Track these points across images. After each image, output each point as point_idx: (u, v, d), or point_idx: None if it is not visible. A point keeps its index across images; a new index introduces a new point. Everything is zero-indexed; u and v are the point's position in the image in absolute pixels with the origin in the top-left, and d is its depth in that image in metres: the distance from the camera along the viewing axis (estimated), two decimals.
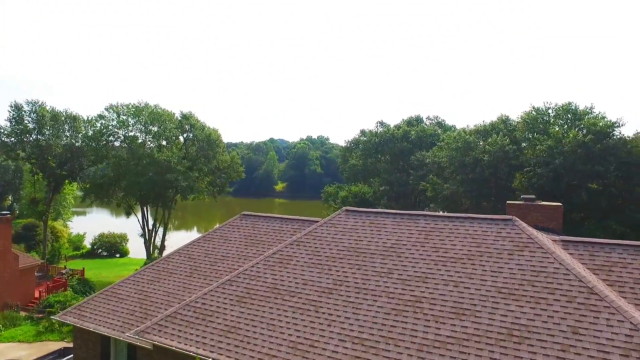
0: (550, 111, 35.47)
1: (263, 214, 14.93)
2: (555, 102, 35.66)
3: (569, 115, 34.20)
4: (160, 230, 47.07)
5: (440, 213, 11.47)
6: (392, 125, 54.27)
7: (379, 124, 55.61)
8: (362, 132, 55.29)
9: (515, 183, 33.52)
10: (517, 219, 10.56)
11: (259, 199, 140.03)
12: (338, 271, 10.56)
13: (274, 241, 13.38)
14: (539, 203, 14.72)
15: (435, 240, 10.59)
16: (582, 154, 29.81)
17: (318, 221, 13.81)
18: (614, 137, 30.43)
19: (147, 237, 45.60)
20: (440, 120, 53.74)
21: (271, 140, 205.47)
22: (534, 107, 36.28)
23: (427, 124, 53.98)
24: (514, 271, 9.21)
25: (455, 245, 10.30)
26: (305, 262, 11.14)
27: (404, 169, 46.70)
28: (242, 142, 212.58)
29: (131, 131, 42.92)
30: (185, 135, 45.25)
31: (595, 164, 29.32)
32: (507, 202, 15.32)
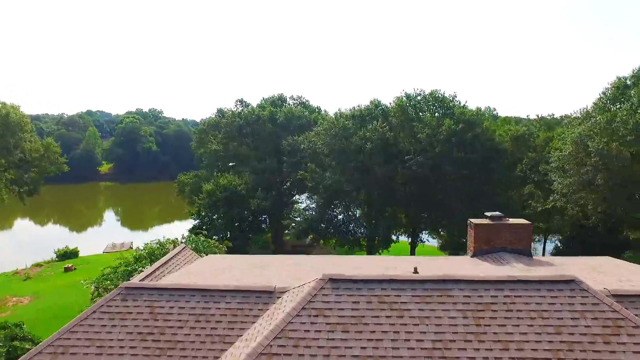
0: (419, 98, 36.23)
1: (167, 285, 8.81)
2: (423, 88, 36.38)
3: (436, 104, 35.45)
4: None
5: (476, 277, 7.87)
6: (254, 105, 49.11)
7: (239, 103, 49.66)
8: (220, 112, 48.44)
9: (395, 172, 33.28)
10: (580, 279, 7.83)
11: (78, 184, 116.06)
12: None
13: (203, 349, 7.70)
14: (508, 222, 12.83)
15: (495, 329, 7.02)
16: (456, 142, 31.00)
17: (270, 292, 8.68)
18: (480, 126, 32.68)
19: None
20: (304, 100, 51.10)
21: (89, 112, 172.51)
22: (405, 94, 36.57)
23: (291, 103, 50.69)
24: None
25: (526, 334, 6.92)
26: None
27: (274, 155, 42.64)
28: (46, 114, 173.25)
29: None
30: None
31: (467, 152, 30.89)
32: (472, 221, 13.00)
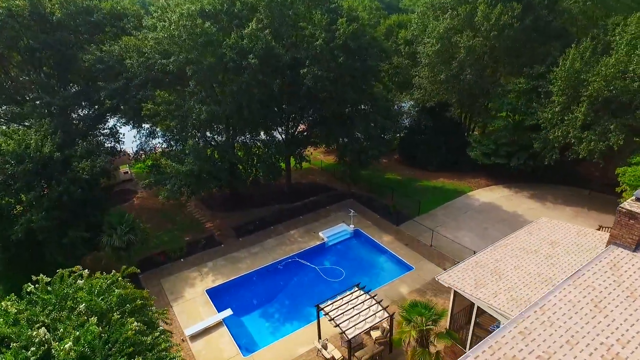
0: None
1: None
2: None
3: None
4: None
5: None
6: None
7: None
8: None
9: (281, 89, 26.38)
10: None
11: None
12: None
13: None
14: None
15: None
16: (354, 47, 26.15)
17: None
18: (367, 25, 28.24)
19: None
20: None
21: None
22: None
23: None
24: None
25: None
26: None
27: (72, 78, 26.82)
28: None
29: None
30: None
31: (368, 58, 26.83)
32: (632, 210, 10.49)
